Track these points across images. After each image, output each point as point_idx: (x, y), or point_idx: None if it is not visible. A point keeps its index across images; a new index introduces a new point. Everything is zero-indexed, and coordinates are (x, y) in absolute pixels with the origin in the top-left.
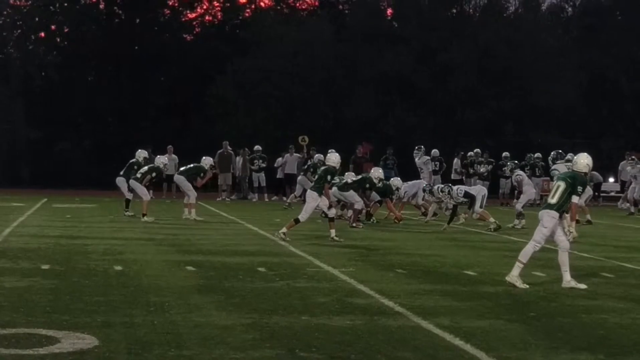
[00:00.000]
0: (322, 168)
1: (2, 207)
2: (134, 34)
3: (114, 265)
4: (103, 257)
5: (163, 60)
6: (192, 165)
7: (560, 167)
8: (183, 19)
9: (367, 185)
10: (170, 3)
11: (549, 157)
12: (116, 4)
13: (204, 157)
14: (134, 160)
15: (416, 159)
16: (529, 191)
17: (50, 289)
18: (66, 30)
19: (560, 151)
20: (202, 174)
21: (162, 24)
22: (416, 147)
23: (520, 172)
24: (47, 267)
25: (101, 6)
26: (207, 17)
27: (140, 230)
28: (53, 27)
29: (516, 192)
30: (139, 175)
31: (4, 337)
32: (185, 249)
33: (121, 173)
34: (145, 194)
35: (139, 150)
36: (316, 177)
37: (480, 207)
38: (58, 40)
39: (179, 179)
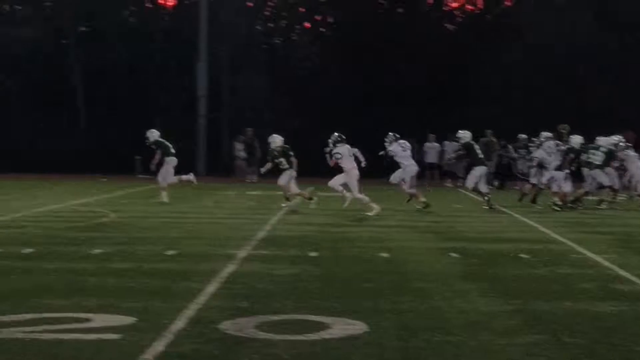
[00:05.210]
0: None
1: (267, 196)
2: (395, 24)
3: (380, 252)
4: (368, 244)
5: (422, 50)
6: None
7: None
8: (445, 9)
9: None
10: None
11: None
12: None
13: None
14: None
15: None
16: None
17: (319, 275)
18: (329, 20)
19: None
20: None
21: (424, 14)
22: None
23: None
24: (314, 254)
25: None
26: (467, 7)
27: (400, 218)
28: (317, 17)
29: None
30: None
31: (275, 324)
32: (448, 236)
33: None
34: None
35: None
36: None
37: None
38: (321, 30)
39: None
